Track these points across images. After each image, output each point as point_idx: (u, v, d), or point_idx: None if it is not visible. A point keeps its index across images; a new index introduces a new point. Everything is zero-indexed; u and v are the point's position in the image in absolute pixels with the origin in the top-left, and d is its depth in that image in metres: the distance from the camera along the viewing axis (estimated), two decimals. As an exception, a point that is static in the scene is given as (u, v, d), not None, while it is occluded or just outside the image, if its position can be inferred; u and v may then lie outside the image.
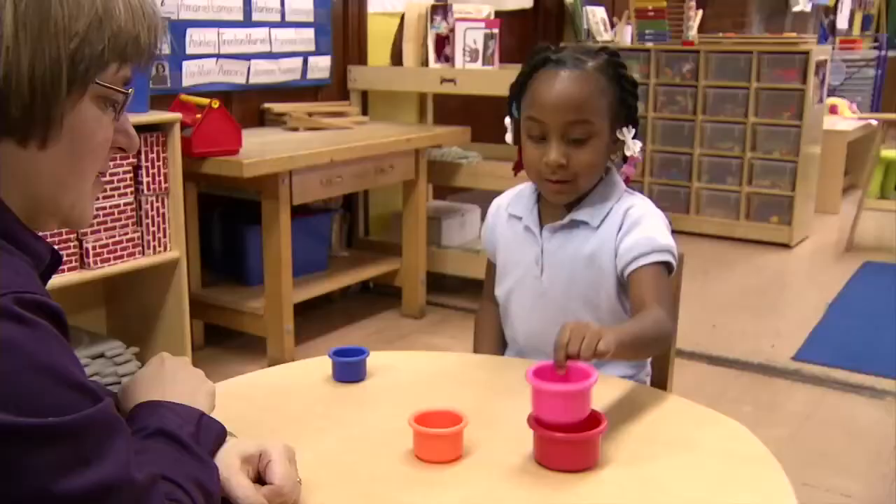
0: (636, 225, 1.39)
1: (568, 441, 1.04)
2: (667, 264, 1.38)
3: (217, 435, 0.93)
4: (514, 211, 1.51)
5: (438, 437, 1.07)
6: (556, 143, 1.37)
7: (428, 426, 1.07)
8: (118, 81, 0.83)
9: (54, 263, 0.86)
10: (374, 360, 1.36)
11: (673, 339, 1.54)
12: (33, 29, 0.76)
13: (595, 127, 1.37)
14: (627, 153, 1.42)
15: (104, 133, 0.85)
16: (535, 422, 1.06)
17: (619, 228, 1.40)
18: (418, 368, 1.39)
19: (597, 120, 1.37)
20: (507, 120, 1.48)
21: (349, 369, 1.31)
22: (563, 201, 1.44)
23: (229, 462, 0.91)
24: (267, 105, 3.45)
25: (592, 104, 1.36)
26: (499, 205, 1.56)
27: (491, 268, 1.58)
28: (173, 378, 0.97)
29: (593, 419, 1.06)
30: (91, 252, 2.42)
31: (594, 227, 1.41)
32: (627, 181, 1.49)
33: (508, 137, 1.49)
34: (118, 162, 2.43)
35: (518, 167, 1.50)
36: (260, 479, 0.93)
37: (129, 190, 2.51)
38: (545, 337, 1.44)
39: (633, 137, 1.41)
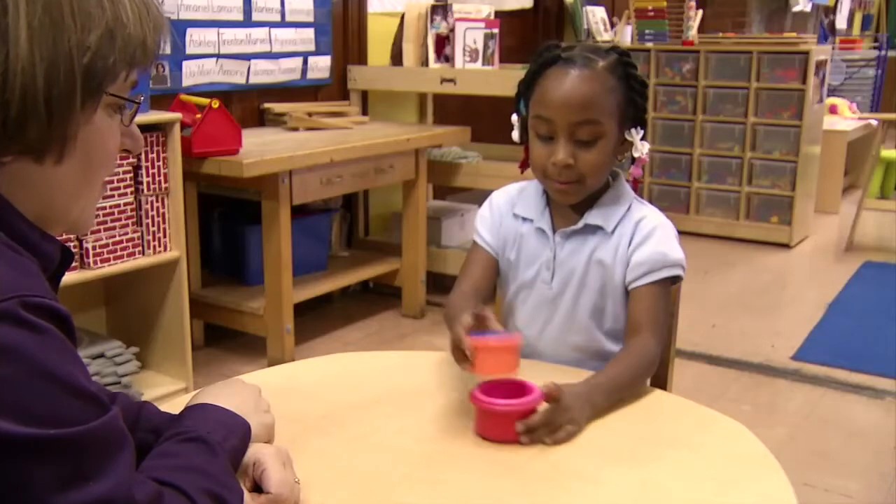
0: (649, 237, 1.38)
1: (505, 413, 1.10)
2: (674, 277, 1.39)
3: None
4: (522, 212, 1.47)
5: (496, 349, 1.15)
6: (564, 142, 1.34)
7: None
8: (127, 88, 0.81)
9: (65, 262, 0.84)
10: (374, 360, 1.36)
11: (664, 351, 1.53)
12: (48, 46, 0.72)
13: (603, 128, 1.34)
14: (636, 154, 1.40)
15: (114, 141, 0.83)
16: (476, 398, 1.13)
17: (632, 239, 1.39)
18: (418, 368, 1.39)
19: (605, 120, 1.34)
20: (514, 117, 1.45)
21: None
22: (569, 202, 1.41)
23: None
24: (267, 105, 3.45)
25: (601, 104, 1.34)
26: (501, 201, 1.51)
27: (484, 260, 1.48)
28: (234, 394, 1.00)
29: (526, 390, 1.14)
30: (91, 252, 2.42)
31: (608, 232, 1.40)
32: (636, 184, 1.48)
33: (515, 135, 1.46)
34: (118, 162, 2.43)
35: (524, 165, 1.47)
36: (256, 486, 0.92)
37: (129, 190, 2.51)
38: (549, 342, 1.44)
39: (642, 139, 1.39)
